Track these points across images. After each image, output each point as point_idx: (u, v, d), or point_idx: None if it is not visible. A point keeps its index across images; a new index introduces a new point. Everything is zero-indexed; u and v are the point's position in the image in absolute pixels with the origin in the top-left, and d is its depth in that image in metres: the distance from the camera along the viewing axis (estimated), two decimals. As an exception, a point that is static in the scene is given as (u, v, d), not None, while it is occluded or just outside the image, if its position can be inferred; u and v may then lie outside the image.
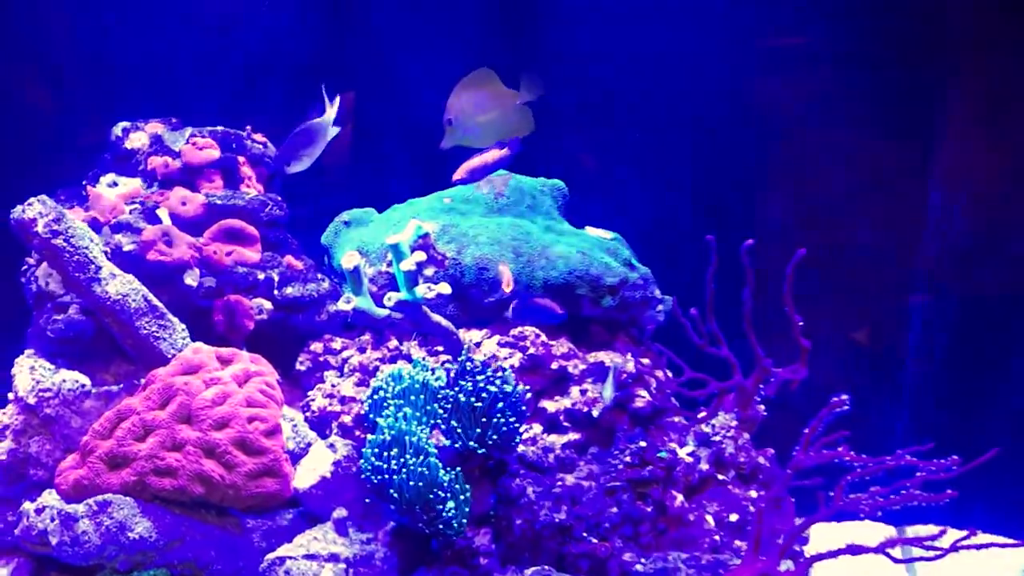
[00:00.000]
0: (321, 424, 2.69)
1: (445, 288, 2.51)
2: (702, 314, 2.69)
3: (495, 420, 2.35)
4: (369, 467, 2.27)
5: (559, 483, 2.44)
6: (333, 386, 2.79)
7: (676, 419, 2.82)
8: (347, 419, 2.67)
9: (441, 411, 2.39)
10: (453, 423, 2.35)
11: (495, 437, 2.36)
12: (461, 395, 2.36)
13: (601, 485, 2.44)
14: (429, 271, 2.84)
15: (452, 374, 2.43)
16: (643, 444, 2.57)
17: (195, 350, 2.51)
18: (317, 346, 2.89)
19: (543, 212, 3.10)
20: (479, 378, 2.39)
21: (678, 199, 3.49)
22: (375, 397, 2.42)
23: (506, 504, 2.37)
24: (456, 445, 2.37)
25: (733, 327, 2.69)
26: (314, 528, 2.32)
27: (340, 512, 2.33)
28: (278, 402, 2.47)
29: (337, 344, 2.89)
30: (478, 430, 2.35)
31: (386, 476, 2.23)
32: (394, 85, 3.20)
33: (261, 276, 2.77)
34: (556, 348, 2.78)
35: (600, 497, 2.40)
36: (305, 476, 2.44)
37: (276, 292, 2.77)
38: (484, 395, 2.36)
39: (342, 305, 2.54)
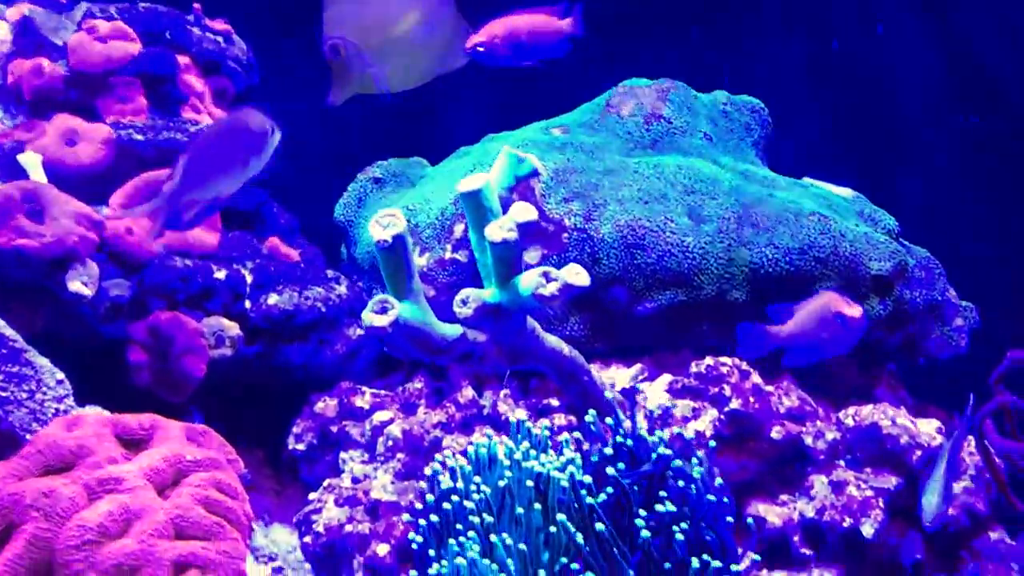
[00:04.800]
0: (333, 559, 1.61)
1: (579, 276, 1.40)
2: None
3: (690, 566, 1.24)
4: None
5: None
6: (356, 481, 1.69)
7: (994, 535, 1.78)
8: (382, 549, 1.56)
9: (579, 537, 1.28)
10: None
11: None
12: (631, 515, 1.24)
13: None
14: (532, 254, 1.74)
15: (593, 457, 1.33)
16: None
17: (71, 422, 1.45)
18: (328, 404, 1.84)
19: (730, 149, 1.98)
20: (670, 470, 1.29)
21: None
22: (435, 513, 1.32)
23: None
24: None
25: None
26: None
27: None
28: (241, 522, 1.39)
29: (364, 400, 1.83)
30: None
31: None
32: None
33: (221, 275, 1.70)
34: (778, 398, 1.67)
35: None
36: None
37: (249, 304, 1.68)
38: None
39: (372, 317, 1.45)
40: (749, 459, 1.70)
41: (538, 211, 1.84)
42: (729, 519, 1.37)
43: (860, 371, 1.87)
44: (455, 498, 1.36)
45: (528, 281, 1.48)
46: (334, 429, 1.86)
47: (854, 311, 1.56)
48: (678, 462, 1.35)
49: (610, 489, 1.33)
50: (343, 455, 1.83)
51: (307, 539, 1.69)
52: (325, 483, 1.75)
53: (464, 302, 1.53)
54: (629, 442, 1.37)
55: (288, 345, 1.85)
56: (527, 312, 1.55)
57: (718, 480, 1.47)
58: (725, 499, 1.38)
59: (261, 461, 2.00)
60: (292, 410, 1.96)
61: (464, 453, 1.46)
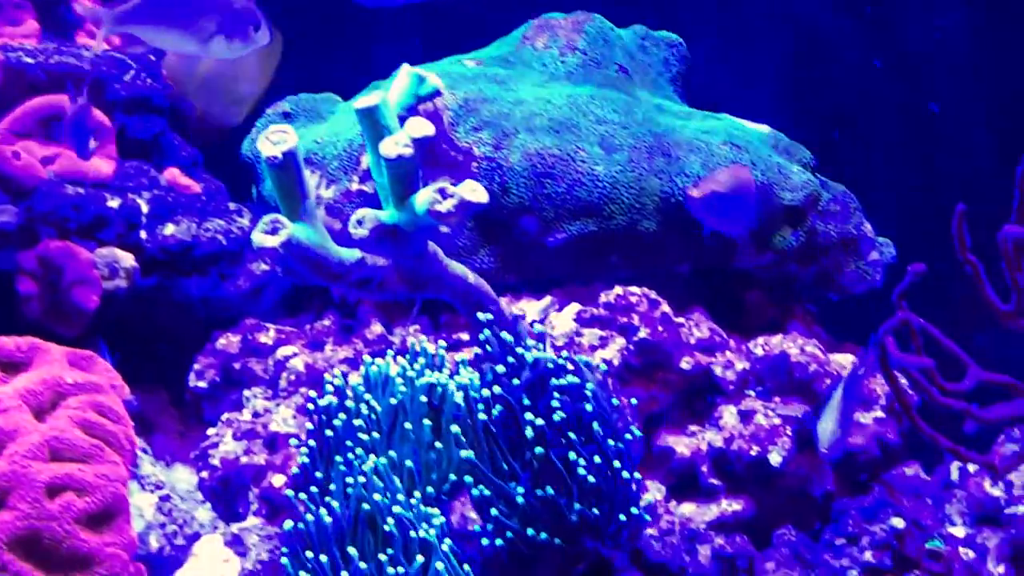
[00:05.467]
0: (228, 491, 1.58)
1: (475, 193, 1.37)
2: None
3: (586, 477, 1.22)
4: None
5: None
6: (256, 416, 1.64)
7: (909, 470, 1.79)
8: (278, 480, 1.52)
9: (469, 453, 1.27)
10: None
11: (591, 510, 1.23)
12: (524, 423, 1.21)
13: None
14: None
15: (488, 376, 1.31)
16: (898, 523, 1.43)
17: (-57, 342, 1.40)
18: (231, 341, 1.80)
19: (647, 83, 1.96)
20: (559, 384, 1.26)
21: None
22: (327, 430, 1.29)
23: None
24: (501, 540, 1.23)
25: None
26: None
27: None
28: (122, 446, 1.36)
29: (268, 336, 1.79)
30: (534, 486, 1.21)
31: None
32: None
33: (115, 203, 1.64)
34: (688, 330, 1.65)
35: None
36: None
37: (145, 235, 1.63)
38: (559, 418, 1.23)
39: (262, 238, 1.40)
40: (659, 390, 1.68)
41: (447, 140, 1.81)
42: (628, 436, 1.35)
43: (774, 306, 1.86)
44: (343, 416, 1.33)
45: (424, 198, 1.45)
46: (237, 366, 1.80)
47: (707, 184, 1.53)
48: (572, 378, 1.32)
49: (500, 407, 1.30)
50: (246, 392, 1.78)
51: (204, 474, 1.65)
52: (224, 417, 1.70)
53: (360, 222, 1.49)
54: (523, 356, 1.34)
55: (187, 278, 1.80)
56: (426, 233, 1.51)
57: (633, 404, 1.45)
58: (623, 419, 1.36)
59: (165, 402, 1.95)
60: (197, 350, 1.91)
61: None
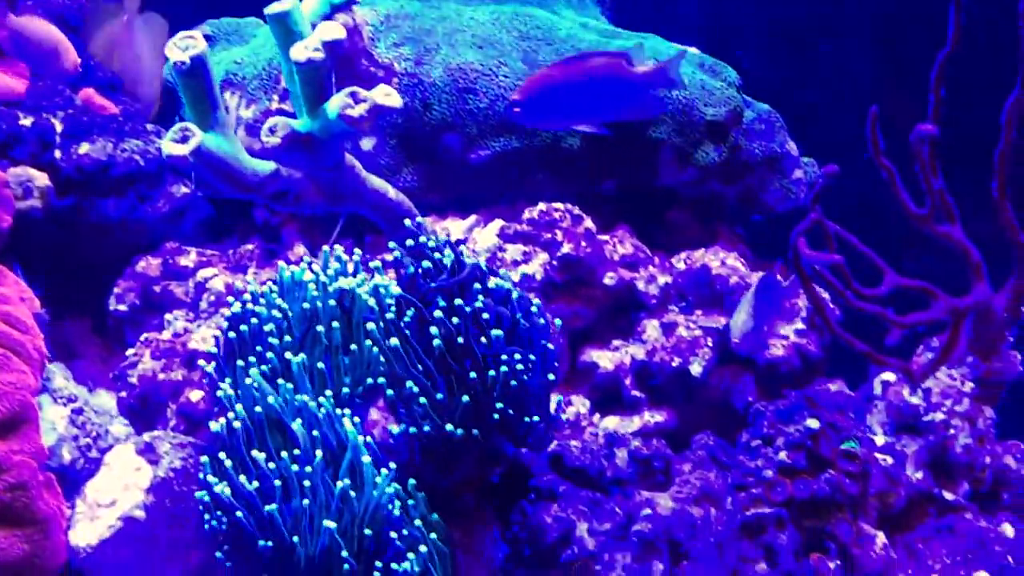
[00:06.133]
0: (146, 409, 1.56)
1: (389, 97, 1.36)
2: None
3: (502, 375, 1.22)
4: (211, 496, 1.12)
5: (641, 512, 1.42)
6: (176, 335, 1.62)
7: (834, 387, 1.81)
8: (195, 395, 1.52)
9: (385, 356, 1.26)
10: (411, 388, 1.21)
11: (506, 409, 1.23)
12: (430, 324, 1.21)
13: (732, 515, 1.40)
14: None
15: (409, 268, 1.30)
16: (813, 424, 1.45)
17: None
18: (151, 263, 1.78)
19: (574, 3, 1.94)
20: (480, 292, 1.26)
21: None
22: (234, 334, 1.28)
23: (535, 566, 1.25)
24: (413, 430, 1.24)
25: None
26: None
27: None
28: (31, 356, 1.34)
29: (189, 259, 1.76)
30: (465, 397, 1.20)
31: (247, 512, 1.09)
32: None
33: (27, 122, 1.60)
34: (612, 246, 1.66)
35: (731, 542, 1.39)
36: (94, 519, 1.29)
37: (60, 154, 1.60)
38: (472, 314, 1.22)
39: (171, 146, 1.39)
40: (583, 306, 1.68)
41: (367, 56, 1.79)
42: (550, 346, 1.34)
43: (699, 225, 1.86)
44: (255, 320, 1.32)
45: (336, 103, 1.43)
46: (157, 289, 1.78)
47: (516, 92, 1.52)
48: (505, 283, 1.31)
49: (412, 310, 1.29)
50: (167, 316, 1.76)
51: (122, 393, 1.63)
52: (143, 337, 1.68)
53: (272, 130, 1.48)
54: (440, 260, 1.33)
55: (104, 199, 1.76)
56: (341, 141, 1.50)
57: (557, 323, 1.44)
58: (541, 319, 1.35)
59: (87, 329, 1.92)
60: (118, 275, 1.88)
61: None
